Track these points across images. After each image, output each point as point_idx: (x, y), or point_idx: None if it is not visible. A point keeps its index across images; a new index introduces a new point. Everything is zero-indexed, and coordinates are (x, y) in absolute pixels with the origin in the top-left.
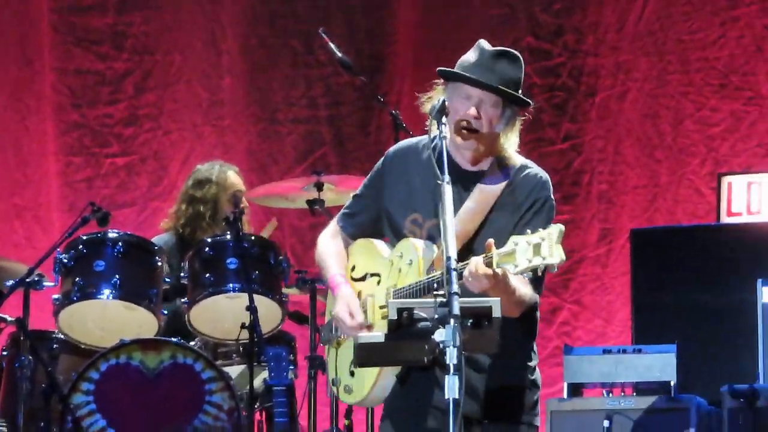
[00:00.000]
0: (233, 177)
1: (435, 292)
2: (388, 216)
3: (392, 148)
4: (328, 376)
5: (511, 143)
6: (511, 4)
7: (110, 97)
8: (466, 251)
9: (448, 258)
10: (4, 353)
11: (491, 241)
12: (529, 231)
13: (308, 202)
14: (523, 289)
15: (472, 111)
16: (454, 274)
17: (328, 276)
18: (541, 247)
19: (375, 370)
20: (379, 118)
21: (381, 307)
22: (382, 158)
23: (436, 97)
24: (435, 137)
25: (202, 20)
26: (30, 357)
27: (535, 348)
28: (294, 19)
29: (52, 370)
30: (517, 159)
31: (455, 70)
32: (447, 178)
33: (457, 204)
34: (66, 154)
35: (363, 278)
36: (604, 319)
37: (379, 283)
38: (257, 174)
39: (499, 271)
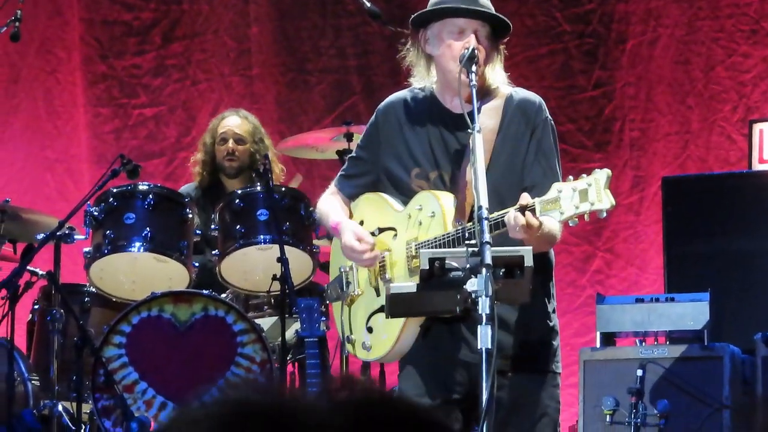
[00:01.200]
0: (228, 120)
1: (466, 242)
2: (388, 174)
3: (382, 105)
4: (339, 335)
5: (498, 76)
6: None
7: (138, 47)
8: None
9: (479, 207)
10: (36, 307)
11: (525, 195)
12: (541, 164)
13: (338, 152)
14: (554, 226)
15: (473, 41)
16: (485, 223)
17: (329, 221)
18: (588, 192)
19: (397, 325)
20: (409, 69)
21: (412, 258)
22: (374, 116)
23: (413, 48)
24: (423, 88)
25: None
26: (61, 310)
27: (552, 290)
28: None
29: (84, 323)
30: (504, 89)
31: (437, 6)
32: (477, 126)
33: (460, 150)
34: (94, 106)
35: (373, 233)
36: (637, 267)
37: (395, 237)
38: (286, 124)
39: (543, 219)
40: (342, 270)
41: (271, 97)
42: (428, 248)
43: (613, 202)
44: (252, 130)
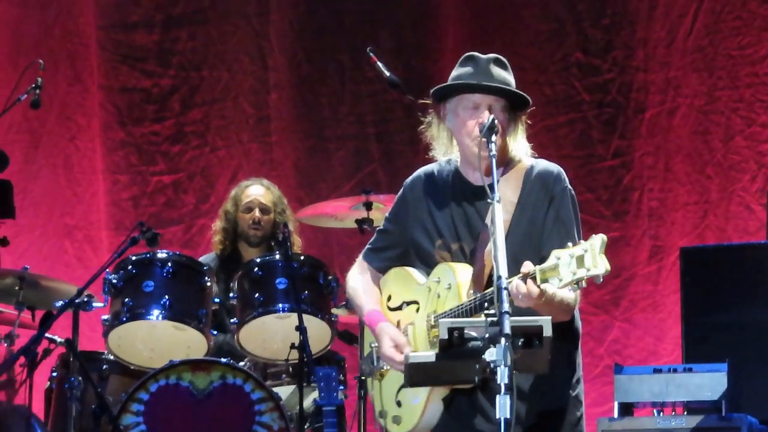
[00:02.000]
0: (252, 189)
1: (485, 311)
2: (416, 246)
3: (409, 179)
4: (374, 409)
5: (519, 147)
6: (560, 20)
7: (156, 114)
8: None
9: (499, 277)
10: (54, 374)
11: (528, 263)
12: (569, 245)
13: (357, 221)
14: (566, 294)
15: (487, 116)
16: (504, 293)
17: (363, 313)
18: (584, 258)
19: (423, 397)
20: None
21: (432, 328)
22: (402, 190)
23: (433, 122)
24: (450, 161)
25: (249, 35)
26: (80, 378)
27: (579, 360)
28: (341, 33)
29: (102, 391)
30: (525, 161)
31: (450, 83)
32: (497, 196)
33: (479, 222)
34: (113, 172)
35: (399, 307)
36: (655, 337)
37: (417, 310)
38: (305, 190)
39: (543, 287)
40: (372, 346)
41: (289, 164)
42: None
43: (608, 268)
44: (275, 200)
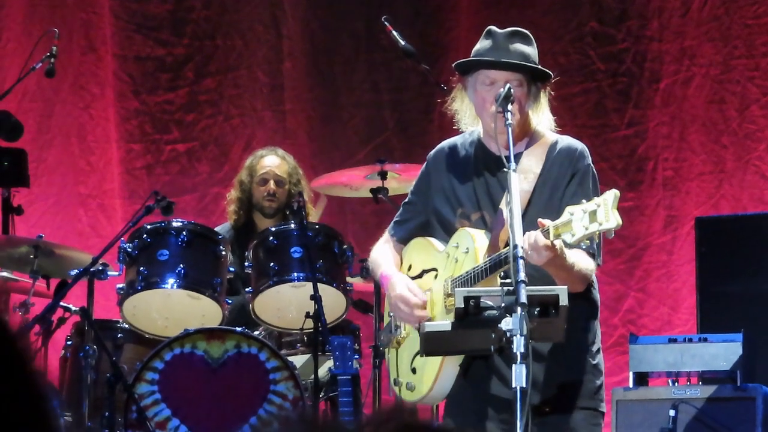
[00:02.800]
0: (267, 160)
1: (501, 280)
2: (437, 215)
3: (432, 152)
4: (389, 377)
5: (543, 121)
6: None
7: (170, 83)
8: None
9: (515, 246)
10: (69, 343)
11: (541, 220)
12: (584, 201)
13: (372, 191)
14: (583, 262)
15: (506, 86)
16: (521, 262)
17: (378, 273)
18: (596, 213)
19: (436, 364)
20: (443, 104)
21: (448, 296)
22: (425, 163)
23: (457, 95)
24: (472, 133)
25: (263, 4)
26: (94, 347)
27: (598, 330)
28: (356, 1)
29: (117, 359)
30: (549, 136)
31: (467, 59)
32: (513, 165)
33: (500, 190)
34: (127, 141)
35: (420, 275)
36: (670, 306)
37: (436, 277)
38: (319, 159)
39: (557, 243)
40: (391, 315)
41: (303, 132)
42: (457, 284)
43: (620, 222)
44: (290, 170)
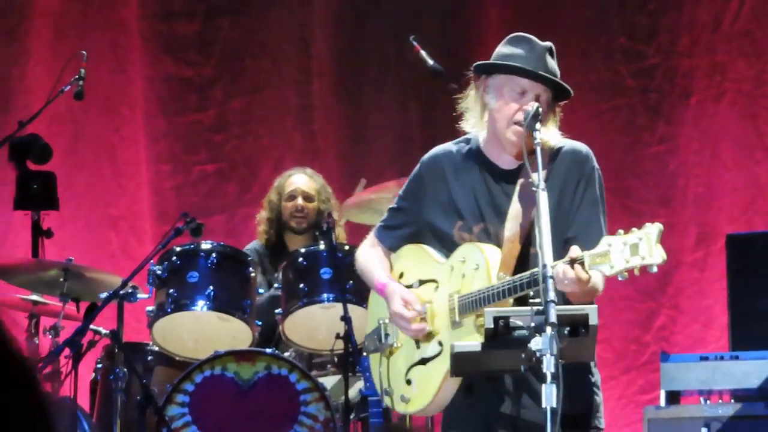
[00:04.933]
0: (295, 178)
1: (531, 300)
2: (431, 226)
3: (426, 156)
4: (379, 388)
5: (550, 135)
6: (604, 5)
7: (199, 103)
8: (526, 247)
9: (544, 265)
10: (99, 366)
11: (575, 248)
12: (585, 214)
13: None
14: (595, 278)
15: (533, 102)
16: (550, 282)
17: (373, 280)
18: (639, 246)
19: (438, 379)
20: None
21: (478, 316)
22: (418, 167)
23: (471, 93)
24: (470, 140)
25: (291, 24)
26: (125, 369)
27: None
28: (384, 20)
29: (147, 382)
30: (551, 142)
31: (505, 63)
32: (542, 184)
33: (506, 204)
34: (155, 162)
35: (412, 285)
36: (702, 324)
37: (436, 289)
38: (348, 179)
39: (593, 274)
40: (381, 322)
41: (332, 153)
42: (469, 302)
43: (665, 257)
44: (319, 188)
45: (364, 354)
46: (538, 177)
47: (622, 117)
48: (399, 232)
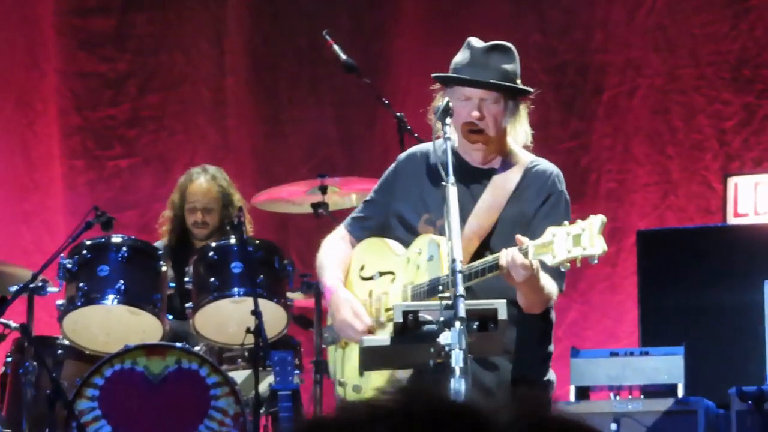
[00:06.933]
0: (196, 186)
1: (440, 295)
2: (400, 218)
3: (404, 153)
4: (333, 378)
5: (519, 135)
6: (518, 1)
7: (113, 99)
8: (483, 247)
9: (453, 260)
10: (9, 359)
11: (520, 237)
12: (566, 223)
13: (313, 205)
14: (549, 285)
15: (475, 113)
16: (459, 276)
17: (323, 277)
18: (581, 237)
19: (385, 374)
20: (385, 119)
21: (387, 310)
22: (395, 163)
23: (438, 102)
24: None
25: (206, 19)
26: (34, 363)
27: (551, 349)
28: (299, 17)
29: (57, 375)
30: (526, 157)
31: (450, 73)
32: (452, 179)
33: (471, 201)
34: (69, 158)
35: (372, 277)
36: (614, 319)
37: (393, 281)
38: (262, 174)
39: (535, 262)
40: None
41: (246, 148)
42: (421, 291)
43: (605, 248)
44: (220, 196)
45: (324, 345)
46: (448, 172)
47: (534, 113)
48: (367, 223)
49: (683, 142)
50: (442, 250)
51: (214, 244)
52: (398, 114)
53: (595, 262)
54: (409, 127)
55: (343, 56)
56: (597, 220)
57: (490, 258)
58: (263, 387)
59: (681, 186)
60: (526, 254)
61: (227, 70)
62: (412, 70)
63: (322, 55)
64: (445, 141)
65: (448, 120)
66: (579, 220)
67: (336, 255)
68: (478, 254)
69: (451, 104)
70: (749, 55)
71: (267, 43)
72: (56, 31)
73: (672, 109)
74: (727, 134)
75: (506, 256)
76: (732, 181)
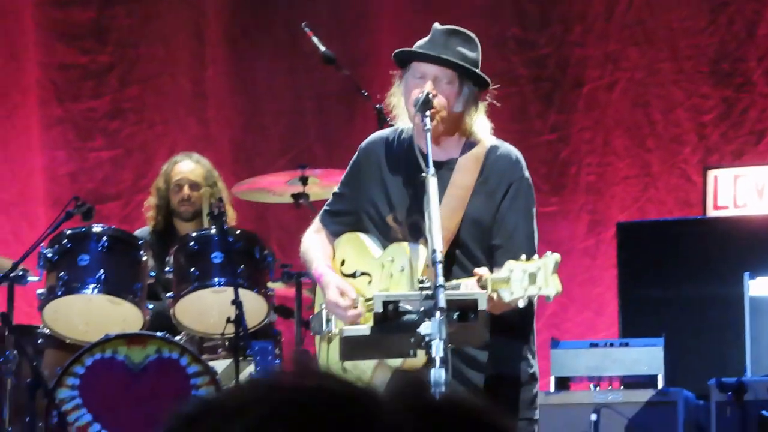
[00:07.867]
0: (181, 166)
1: (421, 285)
2: (369, 214)
3: (364, 143)
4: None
5: (478, 125)
6: None
7: (94, 90)
8: (452, 246)
9: (434, 251)
10: None
11: (477, 270)
12: (511, 223)
13: (293, 196)
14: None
15: (428, 85)
16: (439, 266)
17: (312, 268)
18: (536, 276)
19: (369, 367)
20: (365, 111)
21: (367, 300)
22: (356, 154)
23: (396, 89)
24: (403, 130)
25: (186, 11)
26: (15, 352)
27: (533, 342)
28: (278, 8)
29: (37, 364)
30: (487, 140)
31: (400, 50)
32: (432, 170)
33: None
34: (50, 149)
35: (353, 275)
36: (593, 311)
37: (370, 283)
38: (242, 165)
39: (494, 296)
40: (323, 307)
41: (226, 139)
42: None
43: (559, 289)
44: (205, 174)
45: (312, 334)
46: (428, 162)
47: (514, 105)
48: (341, 218)
49: (663, 135)
50: (410, 262)
51: (194, 234)
52: (378, 106)
53: (551, 300)
54: (388, 119)
55: (323, 48)
56: (551, 261)
57: (453, 283)
58: (244, 376)
59: (661, 179)
60: (485, 287)
61: (207, 62)
62: (391, 62)
63: (301, 47)
64: (426, 132)
65: (428, 112)
66: (536, 256)
67: (319, 246)
68: (448, 255)
69: (404, 87)
70: (728, 49)
71: (246, 34)
72: (35, 22)
73: (651, 102)
74: (707, 127)
75: (465, 288)
76: (711, 173)
